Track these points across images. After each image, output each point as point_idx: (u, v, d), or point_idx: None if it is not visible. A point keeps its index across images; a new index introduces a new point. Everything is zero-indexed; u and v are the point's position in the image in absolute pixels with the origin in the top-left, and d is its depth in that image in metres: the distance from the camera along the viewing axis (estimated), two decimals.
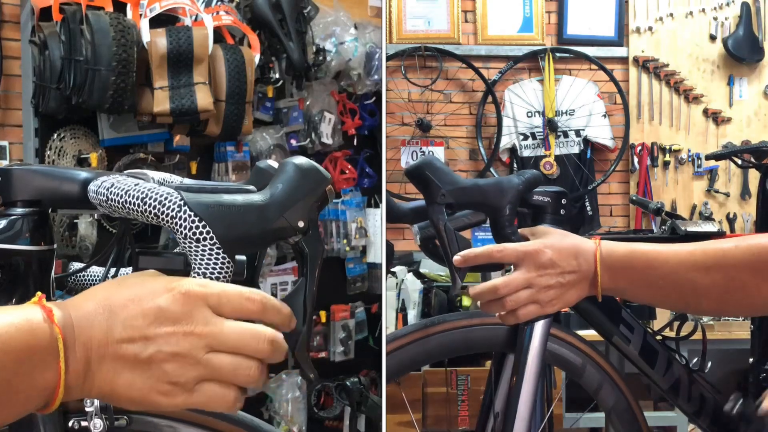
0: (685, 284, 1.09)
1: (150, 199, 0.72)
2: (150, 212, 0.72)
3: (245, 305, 0.70)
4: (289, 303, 0.75)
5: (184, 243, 0.72)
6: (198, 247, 0.71)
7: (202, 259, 0.71)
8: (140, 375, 0.67)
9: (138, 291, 0.68)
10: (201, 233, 0.71)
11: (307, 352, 0.76)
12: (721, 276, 1.07)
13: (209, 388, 0.69)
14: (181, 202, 0.71)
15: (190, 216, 0.71)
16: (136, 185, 0.73)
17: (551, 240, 1.15)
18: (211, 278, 0.71)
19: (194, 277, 0.72)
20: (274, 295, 2.56)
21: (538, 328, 1.35)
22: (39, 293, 0.68)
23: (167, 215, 0.71)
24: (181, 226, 0.71)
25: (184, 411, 1.09)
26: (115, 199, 0.73)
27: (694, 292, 1.09)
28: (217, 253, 0.72)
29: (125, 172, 0.87)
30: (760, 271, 1.05)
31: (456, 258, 1.18)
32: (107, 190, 0.74)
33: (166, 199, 0.71)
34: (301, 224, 0.75)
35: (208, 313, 0.68)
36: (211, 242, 0.71)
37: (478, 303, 1.18)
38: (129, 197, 0.72)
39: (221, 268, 0.72)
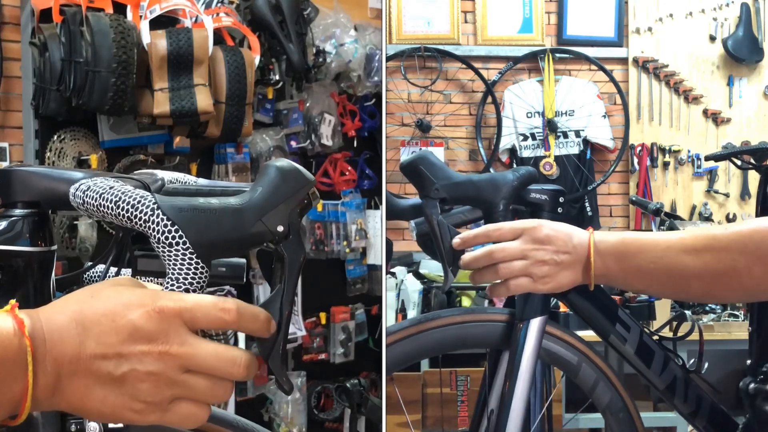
0: (675, 267, 1.10)
1: (123, 202, 0.71)
2: (123, 216, 0.71)
3: (221, 316, 0.68)
4: (267, 309, 0.73)
5: (158, 247, 0.71)
6: (171, 251, 0.70)
7: (176, 264, 0.70)
8: (113, 392, 0.66)
9: (111, 305, 0.67)
10: (174, 237, 0.70)
11: (283, 361, 0.74)
12: (712, 258, 1.07)
13: (183, 407, 0.68)
14: (154, 206, 0.70)
15: (162, 220, 0.70)
16: (111, 188, 0.72)
17: (547, 222, 1.17)
18: (185, 283, 0.70)
19: (168, 281, 0.71)
20: None
21: (534, 325, 1.35)
22: (12, 301, 0.67)
23: (140, 219, 0.70)
24: (153, 230, 0.70)
25: None
26: (90, 203, 0.72)
27: (685, 275, 1.10)
28: (191, 258, 0.70)
29: (136, 172, 0.87)
30: (751, 253, 1.05)
31: (455, 241, 1.20)
32: (83, 193, 0.73)
33: (139, 202, 0.71)
34: (280, 229, 0.73)
35: (184, 330, 0.67)
36: (184, 247, 0.70)
37: (470, 277, 1.19)
38: (103, 200, 0.72)
39: (195, 272, 0.71)
